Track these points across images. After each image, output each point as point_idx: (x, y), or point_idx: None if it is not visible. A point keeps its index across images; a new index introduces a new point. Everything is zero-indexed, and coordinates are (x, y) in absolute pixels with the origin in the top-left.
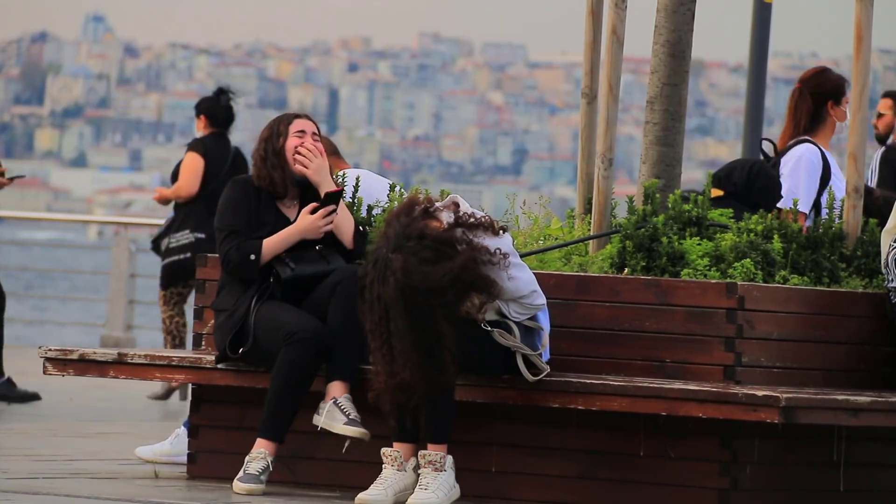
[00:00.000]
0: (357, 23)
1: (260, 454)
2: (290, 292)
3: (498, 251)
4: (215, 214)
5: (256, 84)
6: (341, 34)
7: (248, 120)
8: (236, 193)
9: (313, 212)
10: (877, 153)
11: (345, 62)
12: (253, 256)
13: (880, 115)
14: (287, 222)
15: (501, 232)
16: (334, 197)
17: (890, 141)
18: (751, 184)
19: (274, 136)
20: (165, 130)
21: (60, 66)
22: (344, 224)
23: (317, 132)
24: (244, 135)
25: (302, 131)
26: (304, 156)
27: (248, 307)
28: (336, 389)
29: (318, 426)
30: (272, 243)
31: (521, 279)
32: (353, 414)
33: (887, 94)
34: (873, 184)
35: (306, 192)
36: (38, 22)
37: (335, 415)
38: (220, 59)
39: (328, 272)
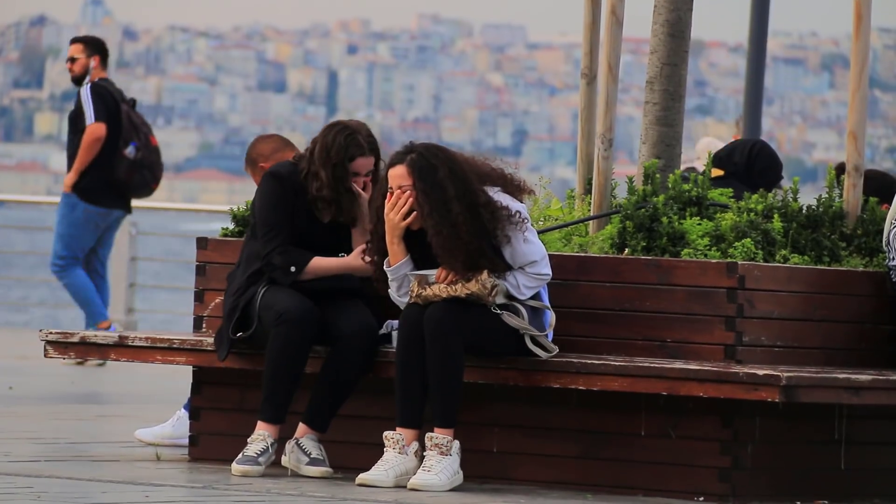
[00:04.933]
0: (356, 4)
1: (260, 436)
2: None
3: (518, 213)
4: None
5: (255, 66)
6: (340, 16)
7: (248, 102)
8: (277, 190)
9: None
10: (84, 91)
11: (344, 44)
12: (294, 269)
13: (74, 60)
14: (319, 226)
15: (524, 195)
16: None
17: (88, 80)
18: (751, 164)
19: (340, 164)
20: (165, 113)
21: (59, 49)
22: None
23: (373, 169)
24: (243, 117)
25: (356, 174)
26: (359, 194)
27: (255, 294)
28: (301, 430)
29: (287, 467)
30: (318, 266)
31: (535, 244)
32: (315, 453)
33: (75, 41)
34: (91, 116)
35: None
36: (37, 5)
37: (299, 455)
38: (219, 42)
39: (341, 287)
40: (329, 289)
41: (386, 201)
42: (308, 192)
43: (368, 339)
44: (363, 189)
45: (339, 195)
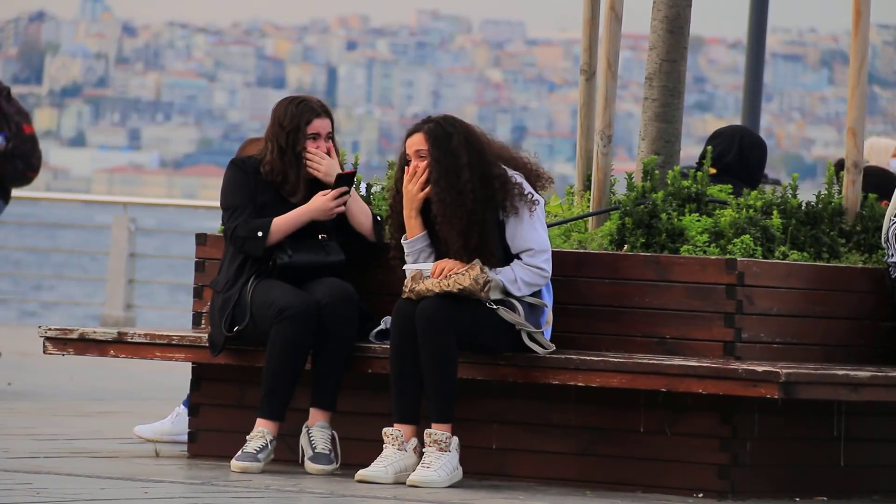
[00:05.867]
0: (355, 0)
1: (259, 433)
2: (286, 279)
3: (531, 195)
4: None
5: (255, 63)
6: (339, 12)
7: (247, 98)
8: (238, 175)
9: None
10: None
11: (343, 40)
12: (261, 233)
13: None
14: (287, 206)
15: (545, 184)
16: (347, 179)
17: None
18: (745, 159)
19: (293, 131)
20: (164, 109)
21: (59, 45)
22: (360, 215)
23: (332, 131)
24: (242, 113)
25: (317, 134)
26: (312, 159)
27: (244, 286)
28: (313, 416)
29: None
30: (282, 222)
31: (539, 233)
32: (320, 447)
33: None
34: None
35: (315, 189)
36: (36, 1)
37: (306, 447)
38: (218, 38)
39: (325, 263)
40: (315, 267)
41: (405, 174)
42: (262, 170)
43: (346, 305)
44: (328, 154)
45: (286, 164)
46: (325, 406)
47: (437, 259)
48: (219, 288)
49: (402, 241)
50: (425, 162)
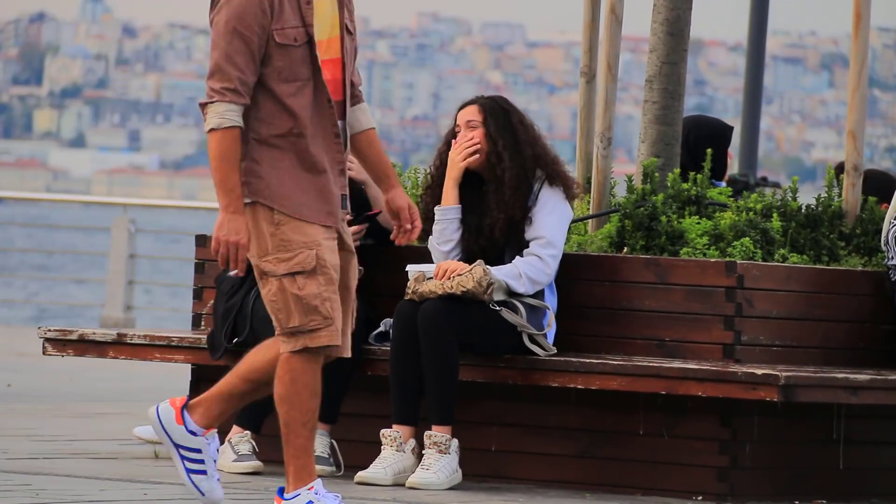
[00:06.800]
0: (355, 2)
1: (244, 437)
2: None
3: (569, 190)
4: None
5: None
6: None
7: None
8: None
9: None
10: None
11: None
12: None
13: None
14: None
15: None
16: (370, 218)
17: None
18: (693, 149)
19: None
20: (164, 111)
21: (59, 46)
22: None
23: None
24: None
25: None
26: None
27: (247, 295)
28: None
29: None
30: None
31: (559, 229)
32: (318, 451)
33: None
34: None
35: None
36: (37, 2)
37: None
38: None
39: None
40: None
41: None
42: None
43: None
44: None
45: None
46: (326, 419)
47: (463, 239)
48: (224, 288)
49: (435, 208)
50: (476, 132)
